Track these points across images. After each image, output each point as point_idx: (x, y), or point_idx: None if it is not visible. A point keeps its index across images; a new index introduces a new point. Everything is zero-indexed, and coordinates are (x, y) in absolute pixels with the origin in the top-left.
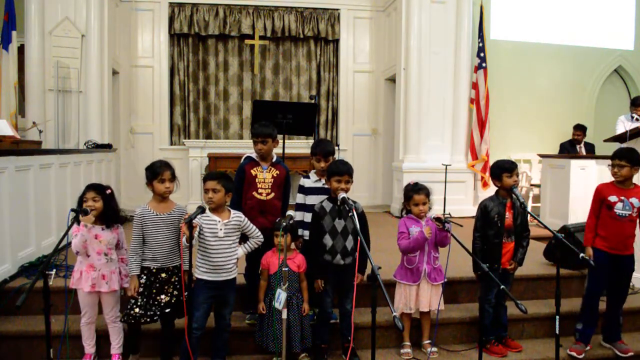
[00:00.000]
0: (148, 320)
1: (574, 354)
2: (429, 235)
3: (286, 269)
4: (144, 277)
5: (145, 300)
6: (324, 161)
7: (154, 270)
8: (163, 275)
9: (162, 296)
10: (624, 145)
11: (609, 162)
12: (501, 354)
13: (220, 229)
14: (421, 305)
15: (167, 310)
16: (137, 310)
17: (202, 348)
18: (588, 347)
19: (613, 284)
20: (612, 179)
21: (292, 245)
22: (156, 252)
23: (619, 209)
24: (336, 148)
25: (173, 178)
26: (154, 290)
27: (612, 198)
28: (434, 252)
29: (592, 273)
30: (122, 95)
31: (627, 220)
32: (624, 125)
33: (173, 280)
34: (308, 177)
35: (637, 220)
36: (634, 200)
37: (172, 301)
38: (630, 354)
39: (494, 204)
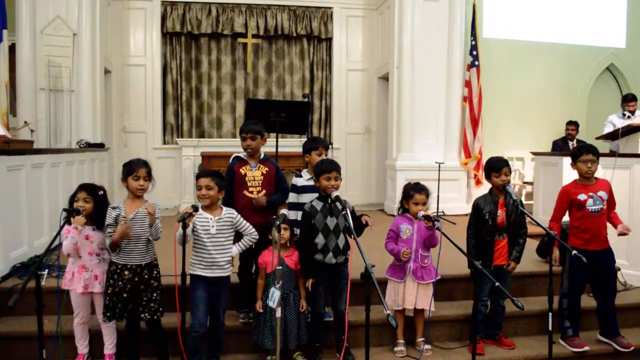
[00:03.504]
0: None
1: (583, 348)
2: (405, 258)
3: (280, 267)
4: (114, 276)
5: (115, 299)
6: (308, 155)
7: (120, 267)
8: (126, 272)
9: (129, 296)
10: (617, 142)
11: (567, 159)
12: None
13: (212, 226)
14: (406, 303)
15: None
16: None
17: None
18: None
19: (597, 281)
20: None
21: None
22: (120, 249)
23: (590, 205)
24: (330, 146)
25: (149, 177)
26: (122, 289)
27: (582, 196)
28: (422, 251)
29: (573, 271)
30: (115, 94)
31: (600, 215)
32: (613, 125)
33: (136, 279)
34: (300, 176)
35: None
36: (601, 193)
37: (148, 301)
38: (632, 348)
39: (486, 202)
